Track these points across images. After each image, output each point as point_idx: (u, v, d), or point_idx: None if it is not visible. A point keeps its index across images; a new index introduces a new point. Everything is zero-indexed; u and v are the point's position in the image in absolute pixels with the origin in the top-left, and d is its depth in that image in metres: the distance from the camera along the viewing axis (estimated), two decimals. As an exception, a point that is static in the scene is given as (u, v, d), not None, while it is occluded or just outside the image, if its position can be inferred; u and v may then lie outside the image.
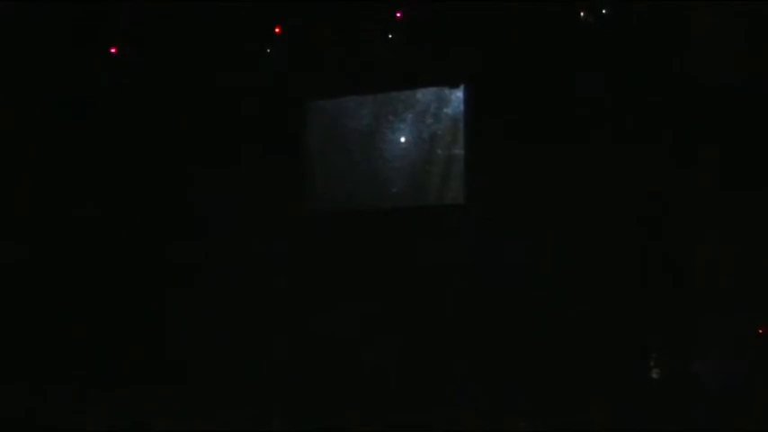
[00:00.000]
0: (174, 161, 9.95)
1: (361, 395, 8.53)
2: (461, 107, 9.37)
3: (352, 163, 9.81)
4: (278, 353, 9.21)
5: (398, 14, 8.87)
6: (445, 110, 9.49)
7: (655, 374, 8.10)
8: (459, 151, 9.40)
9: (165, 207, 9.95)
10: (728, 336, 7.91)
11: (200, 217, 9.79)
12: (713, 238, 8.11)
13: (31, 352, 9.38)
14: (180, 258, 9.74)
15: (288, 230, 9.64)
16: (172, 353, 9.47)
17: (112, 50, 9.29)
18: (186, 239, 9.80)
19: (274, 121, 9.71)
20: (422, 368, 8.85)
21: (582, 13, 8.27)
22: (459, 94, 9.37)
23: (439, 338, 8.78)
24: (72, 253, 9.85)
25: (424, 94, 9.56)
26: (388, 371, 8.89)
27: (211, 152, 9.79)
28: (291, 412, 8.02)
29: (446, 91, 9.41)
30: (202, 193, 9.79)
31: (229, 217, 9.70)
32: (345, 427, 7.61)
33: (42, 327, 9.61)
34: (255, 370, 9.11)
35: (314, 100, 9.86)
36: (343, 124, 9.87)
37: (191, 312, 9.61)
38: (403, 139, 9.64)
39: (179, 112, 9.84)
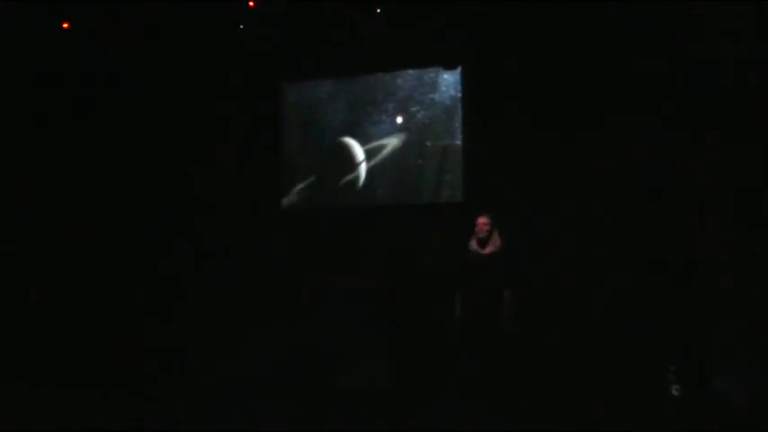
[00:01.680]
0: (157, 158, 10.02)
1: (359, 394, 8.50)
2: (459, 94, 9.12)
3: (340, 158, 9.61)
4: (273, 352, 9.19)
5: None
6: (441, 98, 9.19)
7: (675, 391, 7.74)
8: (456, 143, 9.13)
9: (152, 206, 10.02)
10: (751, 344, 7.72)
11: (187, 217, 9.85)
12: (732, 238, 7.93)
13: (30, 352, 9.38)
14: (173, 259, 9.81)
15: (276, 230, 9.61)
16: (168, 352, 9.46)
17: (65, 25, 9.22)
18: (178, 241, 9.84)
19: (257, 113, 9.74)
20: (419, 368, 8.79)
21: None
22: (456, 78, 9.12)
23: (437, 339, 8.69)
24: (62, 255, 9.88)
25: (417, 81, 9.31)
26: (385, 371, 8.85)
27: (194, 149, 9.90)
28: (289, 412, 7.99)
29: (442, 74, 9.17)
30: (186, 193, 9.91)
31: (214, 216, 9.76)
32: (343, 427, 7.58)
33: (41, 327, 9.61)
34: (252, 370, 9.10)
35: (299, 85, 9.76)
36: (332, 115, 9.66)
37: (186, 311, 9.61)
38: (395, 131, 9.41)
39: (161, 109, 9.93)
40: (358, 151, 9.57)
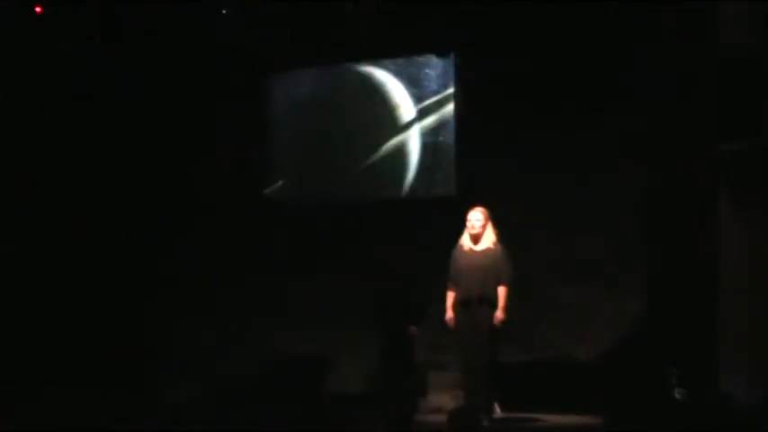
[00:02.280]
0: (157, 158, 10.00)
1: (353, 394, 8.50)
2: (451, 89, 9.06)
3: (331, 151, 9.61)
4: (273, 353, 9.19)
5: None
6: (434, 90, 9.16)
7: (678, 395, 7.43)
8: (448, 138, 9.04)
9: (152, 206, 9.98)
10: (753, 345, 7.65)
11: (187, 217, 9.86)
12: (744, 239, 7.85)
13: (30, 352, 9.38)
14: (173, 259, 9.82)
15: (275, 229, 9.61)
16: (167, 352, 9.47)
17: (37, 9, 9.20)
18: (178, 240, 9.87)
19: (257, 112, 9.74)
20: (413, 366, 8.77)
21: None
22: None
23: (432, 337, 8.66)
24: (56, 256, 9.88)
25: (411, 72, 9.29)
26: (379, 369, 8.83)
27: (194, 149, 9.90)
28: (289, 412, 8.01)
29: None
30: (186, 193, 9.92)
31: (214, 216, 9.74)
32: (342, 427, 7.59)
33: (38, 327, 9.61)
34: (252, 370, 9.10)
35: (288, 73, 9.75)
36: (321, 106, 9.67)
37: (186, 312, 9.62)
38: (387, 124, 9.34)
39: (160, 109, 9.91)
40: (405, 102, 9.23)
